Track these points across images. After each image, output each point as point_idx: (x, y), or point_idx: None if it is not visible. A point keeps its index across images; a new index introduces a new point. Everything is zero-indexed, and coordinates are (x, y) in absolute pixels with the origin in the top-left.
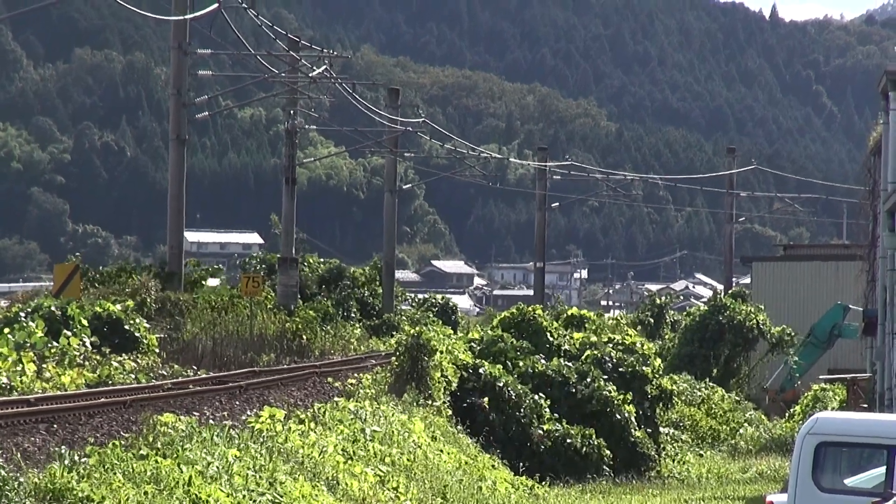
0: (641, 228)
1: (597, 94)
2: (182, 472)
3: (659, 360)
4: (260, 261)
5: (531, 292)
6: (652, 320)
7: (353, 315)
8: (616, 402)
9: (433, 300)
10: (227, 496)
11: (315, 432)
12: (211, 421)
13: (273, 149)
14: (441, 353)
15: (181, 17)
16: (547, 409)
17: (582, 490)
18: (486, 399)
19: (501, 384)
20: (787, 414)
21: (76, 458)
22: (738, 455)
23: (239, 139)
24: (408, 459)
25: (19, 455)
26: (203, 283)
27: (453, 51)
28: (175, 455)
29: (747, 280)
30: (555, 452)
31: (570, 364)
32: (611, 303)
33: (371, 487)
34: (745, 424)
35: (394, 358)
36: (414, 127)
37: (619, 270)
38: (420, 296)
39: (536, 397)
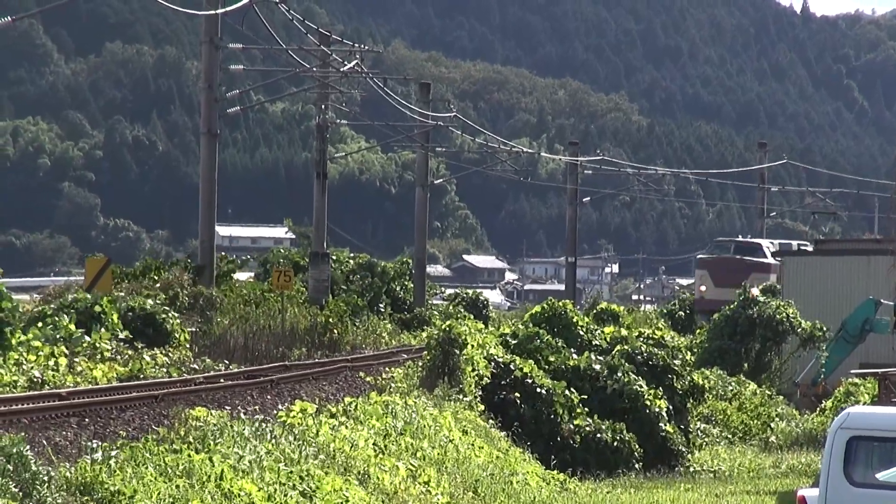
0: (673, 223)
1: (628, 89)
2: (214, 466)
3: (690, 354)
4: (281, 258)
5: (562, 287)
6: (683, 314)
7: (383, 310)
8: (646, 396)
9: (464, 294)
10: (259, 490)
11: (346, 426)
12: (242, 415)
13: (304, 143)
14: (473, 347)
15: (213, 12)
16: (578, 404)
17: (613, 485)
18: (517, 394)
19: (532, 380)
20: (818, 408)
21: (108, 452)
22: (769, 450)
23: (270, 134)
24: (439, 454)
25: (51, 449)
26: (231, 276)
27: (484, 46)
28: (207, 449)
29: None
30: (586, 447)
31: (600, 358)
32: (642, 297)
33: (402, 481)
34: (777, 419)
35: (425, 352)
36: (445, 122)
37: (651, 265)
38: (451, 290)
39: (568, 392)
